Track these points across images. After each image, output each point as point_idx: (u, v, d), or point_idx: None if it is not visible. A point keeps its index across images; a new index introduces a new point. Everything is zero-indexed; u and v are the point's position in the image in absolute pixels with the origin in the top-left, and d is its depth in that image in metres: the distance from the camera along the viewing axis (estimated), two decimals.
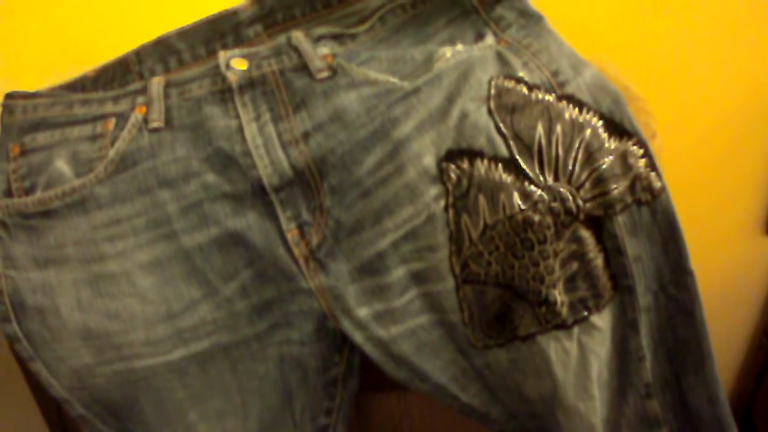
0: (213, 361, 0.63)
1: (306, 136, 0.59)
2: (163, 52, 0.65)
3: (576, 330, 0.60)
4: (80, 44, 0.76)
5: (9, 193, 0.62)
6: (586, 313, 0.59)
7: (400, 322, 0.61)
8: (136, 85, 0.63)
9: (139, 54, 0.65)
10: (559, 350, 0.60)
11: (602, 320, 0.60)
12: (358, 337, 0.61)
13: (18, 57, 0.77)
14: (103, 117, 0.62)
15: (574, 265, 0.59)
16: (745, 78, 0.85)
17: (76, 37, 0.77)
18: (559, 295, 0.58)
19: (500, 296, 0.60)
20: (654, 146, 0.58)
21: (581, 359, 0.60)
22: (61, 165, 0.61)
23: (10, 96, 0.63)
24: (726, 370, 0.80)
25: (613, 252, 0.58)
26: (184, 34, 0.65)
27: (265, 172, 0.59)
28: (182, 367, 0.63)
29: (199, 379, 0.63)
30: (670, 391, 0.63)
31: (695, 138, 0.89)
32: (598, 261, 0.59)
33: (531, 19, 0.61)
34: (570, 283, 0.59)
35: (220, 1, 0.66)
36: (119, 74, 0.66)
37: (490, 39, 0.61)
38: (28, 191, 0.61)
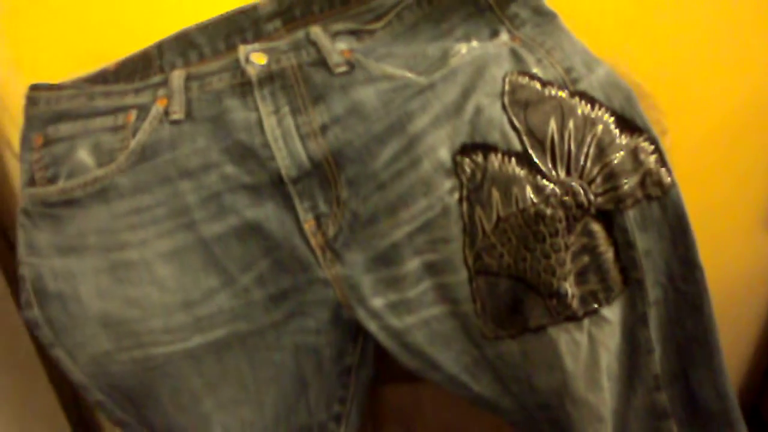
0: (229, 349, 0.64)
1: (324, 128, 0.60)
2: (184, 46, 0.67)
3: (586, 322, 0.61)
4: (100, 40, 0.77)
5: (32, 183, 0.63)
6: (596, 306, 0.60)
7: (414, 313, 0.62)
8: (157, 78, 0.64)
9: (161, 48, 0.66)
10: (570, 342, 0.61)
11: (612, 313, 0.61)
12: (372, 327, 0.62)
13: (39, 53, 0.78)
14: (125, 109, 0.63)
15: (585, 259, 0.60)
16: (749, 77, 0.86)
17: (96, 34, 0.78)
18: (570, 288, 0.59)
19: (512, 288, 0.61)
20: (665, 143, 0.60)
21: (591, 351, 0.61)
22: (84, 155, 0.62)
23: (34, 87, 0.64)
24: (733, 366, 0.81)
25: (623, 246, 0.59)
26: (204, 28, 0.66)
27: (283, 163, 0.60)
28: (199, 356, 0.64)
29: (214, 367, 0.65)
30: (678, 384, 0.64)
31: (698, 136, 0.90)
32: (609, 254, 0.60)
33: (545, 17, 0.63)
34: (581, 276, 0.60)
35: None
36: (140, 67, 0.67)
37: (504, 36, 0.63)
38: (51, 181, 0.63)
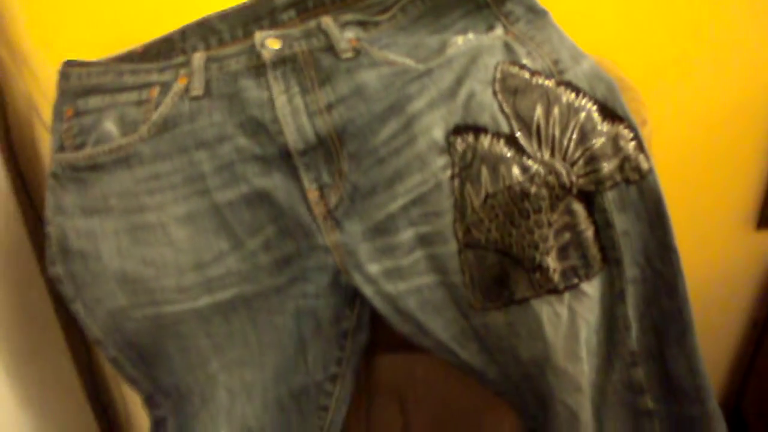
0: (235, 311, 0.69)
1: (329, 107, 0.65)
2: (205, 32, 0.72)
3: (567, 296, 0.65)
4: (126, 27, 0.82)
5: (61, 149, 0.69)
6: (576, 281, 0.64)
7: (406, 280, 0.66)
8: (180, 59, 0.70)
9: (184, 33, 0.72)
10: (551, 314, 0.65)
11: (592, 288, 0.65)
12: (368, 291, 0.66)
13: (70, 38, 0.84)
14: (149, 85, 0.69)
15: (567, 236, 0.64)
16: (739, 74, 0.89)
17: (122, 21, 0.83)
18: (552, 262, 0.63)
19: (499, 262, 0.65)
20: (644, 132, 0.64)
21: (571, 323, 0.65)
22: (110, 126, 0.68)
23: (68, 64, 0.70)
24: (717, 363, 0.82)
25: (602, 225, 0.64)
26: (224, 16, 0.72)
27: (291, 138, 0.65)
28: (207, 316, 0.69)
29: (222, 328, 0.69)
30: (653, 361, 0.68)
31: (688, 134, 0.93)
32: (589, 233, 0.64)
33: (537, 14, 0.68)
34: (562, 251, 0.64)
35: None
36: (165, 50, 0.72)
37: (499, 31, 0.68)
38: (78, 148, 0.68)
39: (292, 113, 0.66)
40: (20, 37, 0.81)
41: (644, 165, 0.63)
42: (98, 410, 1.03)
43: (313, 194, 0.66)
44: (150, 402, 0.73)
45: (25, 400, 0.84)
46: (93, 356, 1.02)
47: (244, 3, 0.72)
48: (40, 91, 0.84)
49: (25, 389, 0.84)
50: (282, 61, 0.67)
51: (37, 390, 0.87)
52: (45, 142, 0.89)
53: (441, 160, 0.64)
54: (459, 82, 0.64)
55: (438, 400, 0.81)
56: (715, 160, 0.95)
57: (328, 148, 0.66)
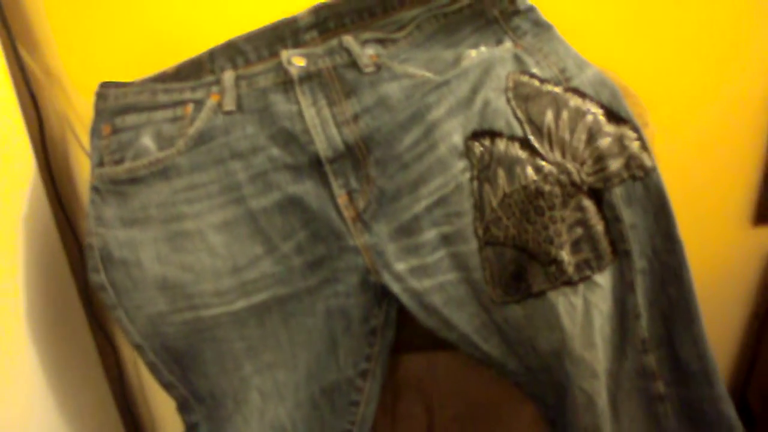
0: (269, 313, 0.73)
1: (356, 117, 0.70)
2: (232, 53, 0.76)
3: (581, 287, 0.69)
4: (155, 52, 0.87)
5: (101, 164, 0.73)
6: (589, 273, 0.68)
7: (431, 277, 0.70)
8: (210, 78, 0.74)
9: (212, 54, 0.76)
10: (567, 305, 0.69)
11: (604, 279, 0.69)
12: (396, 288, 0.71)
13: (100, 63, 0.88)
14: (183, 103, 0.73)
15: (579, 231, 0.68)
16: (735, 76, 0.92)
17: (151, 46, 0.88)
18: (566, 256, 0.68)
19: (517, 257, 0.69)
20: (647, 133, 0.69)
21: (586, 313, 0.69)
22: (147, 141, 0.72)
23: (104, 85, 0.74)
24: (721, 355, 0.85)
25: (612, 220, 0.68)
26: (249, 38, 0.76)
27: (321, 146, 0.70)
28: (243, 319, 0.72)
29: (256, 331, 0.73)
30: (663, 347, 0.72)
31: (686, 135, 0.97)
32: (599, 227, 0.68)
33: (543, 28, 0.73)
34: (575, 246, 0.68)
35: (279, 10, 0.77)
36: (194, 70, 0.76)
37: (508, 44, 0.73)
38: (117, 162, 0.72)
39: (322, 124, 0.70)
40: (54, 59, 0.85)
41: (648, 163, 0.67)
42: (127, 419, 1.06)
43: (342, 199, 0.71)
44: (184, 407, 0.76)
45: (57, 409, 0.86)
46: (122, 367, 1.05)
47: (268, 25, 0.76)
48: (73, 110, 0.88)
49: (56, 398, 0.86)
50: (308, 76, 0.71)
51: (69, 399, 0.89)
52: (79, 158, 0.93)
53: (461, 164, 0.68)
54: (474, 91, 0.69)
55: (460, 396, 0.85)
56: (713, 159, 0.99)
57: (355, 155, 0.71)
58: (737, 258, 1.07)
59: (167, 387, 0.75)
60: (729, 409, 0.73)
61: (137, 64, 0.83)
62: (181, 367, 0.74)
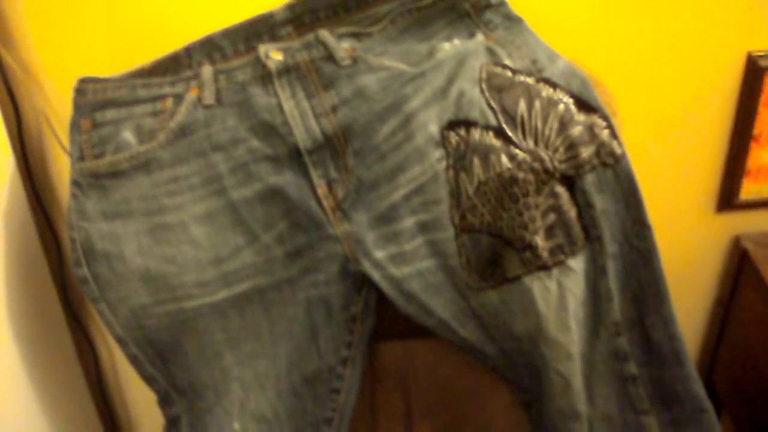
0: (250, 304, 0.74)
1: (334, 109, 0.72)
2: (209, 48, 0.77)
3: (555, 271, 0.70)
4: (131, 48, 0.87)
5: (82, 159, 0.73)
6: (563, 257, 0.70)
7: (410, 264, 0.72)
8: (189, 73, 0.75)
9: (189, 50, 0.77)
10: (542, 288, 0.70)
11: (577, 263, 0.71)
12: (375, 276, 0.72)
13: (76, 58, 0.88)
14: (162, 97, 0.74)
15: (552, 217, 0.70)
16: (697, 64, 0.95)
17: (127, 42, 0.88)
18: (540, 241, 0.69)
19: (492, 243, 0.71)
20: (616, 122, 0.71)
21: (560, 296, 0.71)
22: (128, 135, 0.73)
23: (82, 80, 0.75)
24: (687, 340, 0.87)
25: (583, 206, 0.70)
26: (226, 33, 0.77)
27: (300, 138, 0.71)
28: (224, 309, 0.73)
29: (236, 321, 0.74)
30: (635, 329, 0.74)
31: (649, 124, 0.99)
32: (572, 213, 0.70)
33: (514, 21, 0.75)
34: (549, 231, 0.70)
35: (254, 7, 0.79)
36: (172, 66, 0.77)
37: (480, 37, 0.74)
38: (98, 157, 0.73)
39: (301, 116, 0.72)
40: (31, 54, 0.85)
41: (618, 150, 0.69)
42: (105, 417, 1.06)
43: (322, 189, 0.72)
44: (165, 401, 0.77)
45: (34, 407, 0.87)
46: (100, 364, 1.05)
47: (244, 21, 0.77)
48: (51, 105, 0.88)
49: (34, 396, 0.86)
50: (286, 69, 0.73)
51: (46, 396, 0.89)
52: (56, 154, 0.93)
53: (437, 153, 0.70)
54: (449, 82, 0.71)
55: (438, 383, 0.86)
56: (676, 146, 1.01)
57: (334, 146, 0.72)
58: (701, 244, 1.09)
59: (148, 380, 0.76)
60: (699, 389, 0.75)
61: (114, 60, 0.84)
62: (162, 359, 0.75)
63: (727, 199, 1.05)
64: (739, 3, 0.90)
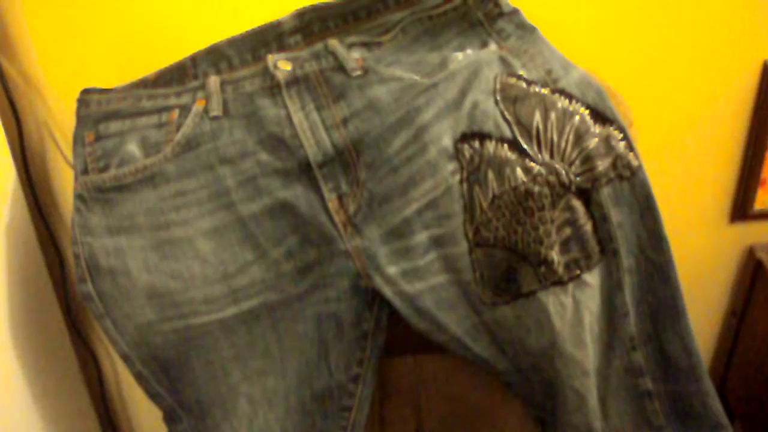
0: (258, 320, 0.72)
1: (345, 121, 0.70)
2: (215, 57, 0.76)
3: (571, 286, 0.69)
4: (134, 58, 0.86)
5: (85, 172, 0.71)
6: (578, 272, 0.69)
7: (423, 280, 0.70)
8: (195, 83, 0.73)
9: (194, 59, 0.75)
10: (557, 304, 0.69)
11: (592, 278, 0.70)
12: (387, 292, 0.70)
13: (79, 71, 0.87)
14: (168, 108, 0.72)
15: (568, 230, 0.69)
16: (711, 76, 0.94)
17: (129, 53, 0.87)
18: (556, 256, 0.68)
19: (506, 258, 0.70)
20: (632, 132, 0.70)
21: (576, 312, 0.70)
22: (132, 148, 0.71)
23: (86, 91, 0.73)
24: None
25: (599, 219, 0.69)
26: (233, 42, 0.76)
27: (311, 151, 0.70)
28: (232, 326, 0.72)
29: (245, 338, 0.72)
30: (651, 344, 0.73)
31: (664, 135, 0.98)
32: (588, 227, 0.69)
33: (527, 30, 0.74)
34: (564, 245, 0.69)
35: (261, 15, 0.77)
36: (177, 76, 0.76)
37: (493, 46, 0.73)
38: (102, 170, 0.71)
39: (311, 128, 0.70)
40: (33, 66, 0.84)
41: (634, 162, 0.68)
42: (107, 430, 1.05)
43: (333, 203, 0.70)
44: (171, 418, 0.75)
45: (38, 422, 0.85)
46: (103, 379, 1.04)
47: (251, 30, 0.76)
48: (53, 117, 0.87)
49: (37, 410, 0.85)
50: (295, 80, 0.71)
51: (49, 411, 0.88)
52: (59, 166, 0.92)
53: (450, 166, 0.69)
54: (463, 93, 0.69)
55: (448, 398, 0.85)
56: (690, 157, 1.00)
57: (345, 159, 0.70)
58: (714, 255, 1.09)
59: (154, 397, 0.74)
60: (716, 404, 0.75)
61: (118, 70, 0.83)
62: (168, 376, 0.73)
63: (741, 209, 1.04)
64: (754, 11, 0.89)
